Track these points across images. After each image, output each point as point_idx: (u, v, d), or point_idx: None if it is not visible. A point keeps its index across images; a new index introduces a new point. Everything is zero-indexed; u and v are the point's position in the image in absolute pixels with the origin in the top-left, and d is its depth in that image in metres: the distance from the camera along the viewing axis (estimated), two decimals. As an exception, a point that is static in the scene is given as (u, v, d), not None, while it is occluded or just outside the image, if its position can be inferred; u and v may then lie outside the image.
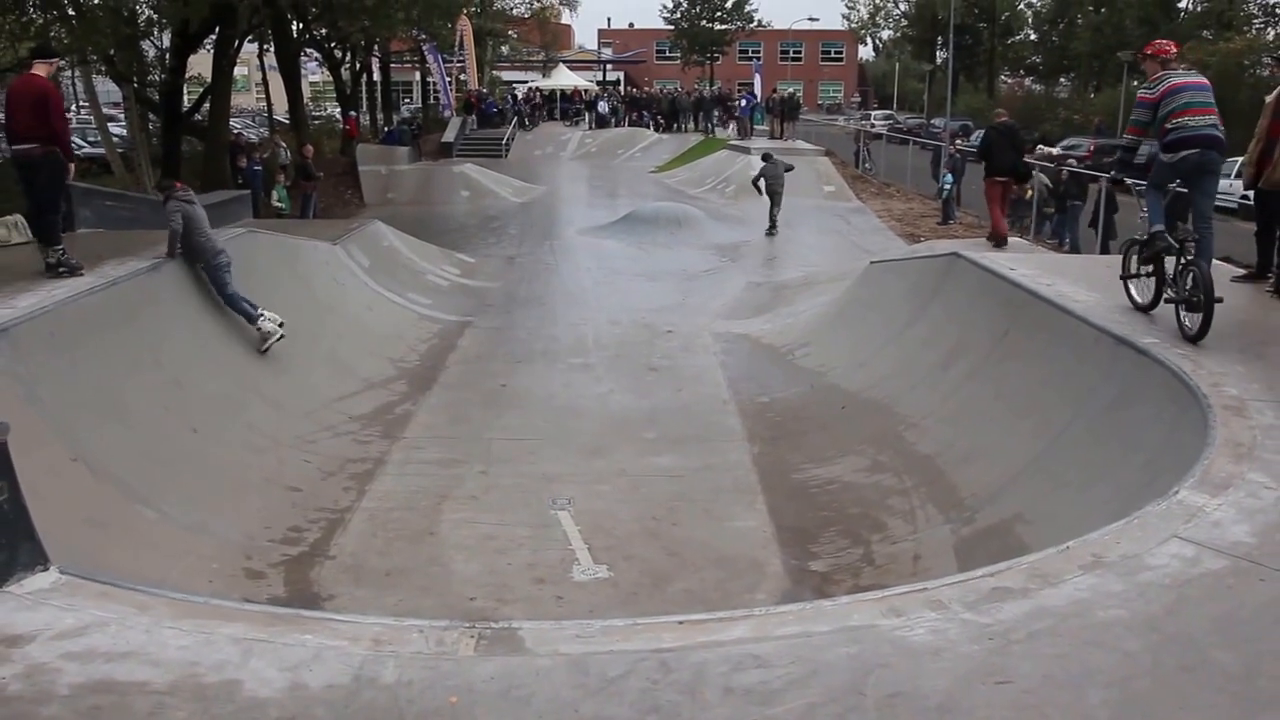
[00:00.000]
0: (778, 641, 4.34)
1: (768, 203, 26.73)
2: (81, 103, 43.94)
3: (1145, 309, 9.25)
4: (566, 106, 58.62)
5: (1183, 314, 8.58)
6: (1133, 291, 9.55)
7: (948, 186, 27.37)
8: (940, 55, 72.30)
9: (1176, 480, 5.81)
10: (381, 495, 9.21)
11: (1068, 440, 8.11)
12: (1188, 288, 8.52)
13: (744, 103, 47.22)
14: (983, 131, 19.87)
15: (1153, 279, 9.18)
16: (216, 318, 11.23)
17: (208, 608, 4.76)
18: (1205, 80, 9.17)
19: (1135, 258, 9.51)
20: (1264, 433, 6.41)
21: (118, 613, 4.52)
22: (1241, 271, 11.38)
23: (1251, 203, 11.43)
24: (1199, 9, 57.62)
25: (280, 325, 11.47)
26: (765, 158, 27.77)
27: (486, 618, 6.87)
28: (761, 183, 26.80)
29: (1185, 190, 9.40)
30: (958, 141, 32.00)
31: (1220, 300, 8.20)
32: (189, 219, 11.23)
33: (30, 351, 8.01)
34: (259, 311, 11.39)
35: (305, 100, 42.10)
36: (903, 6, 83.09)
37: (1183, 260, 8.68)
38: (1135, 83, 51.95)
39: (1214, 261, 9.67)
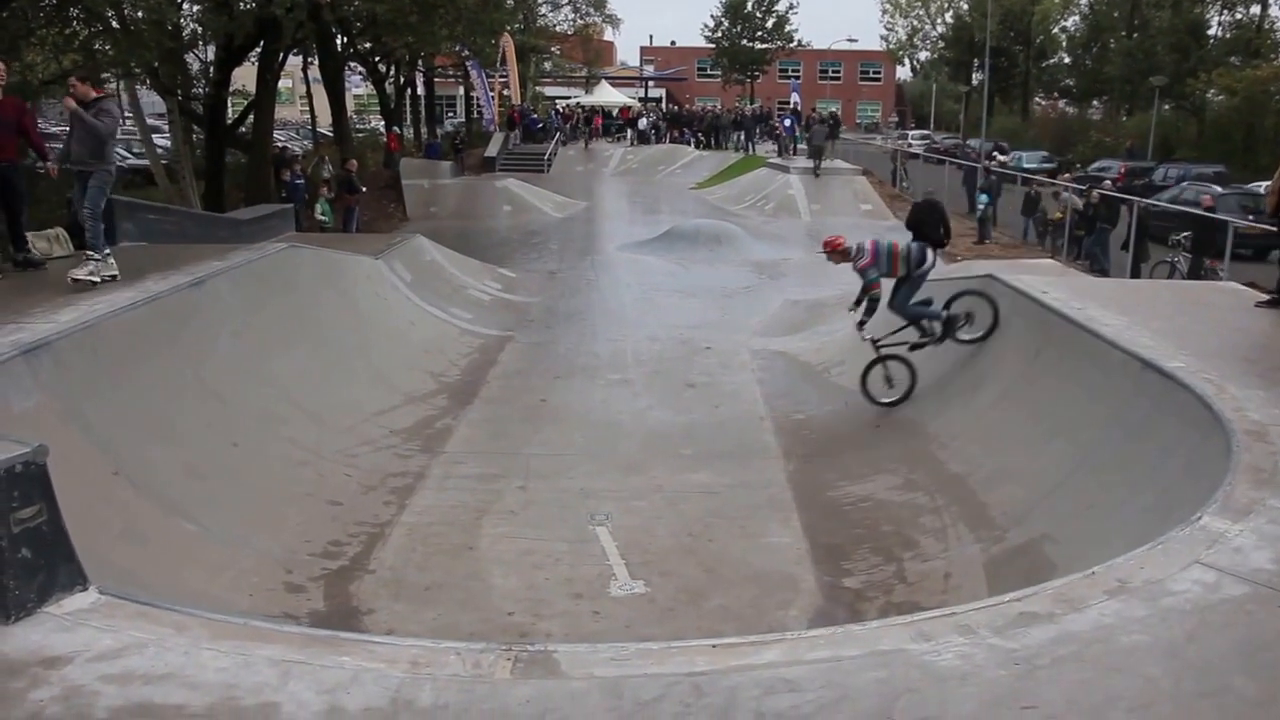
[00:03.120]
0: (809, 665, 4.34)
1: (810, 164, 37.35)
2: (126, 114, 44.35)
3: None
4: (609, 123, 58.80)
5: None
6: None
7: (981, 206, 27.46)
8: (976, 77, 72.01)
9: (1200, 504, 5.80)
10: (421, 510, 9.24)
11: (1095, 462, 8.10)
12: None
13: (787, 122, 47.16)
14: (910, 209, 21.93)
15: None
16: (258, 332, 11.30)
17: (246, 629, 4.77)
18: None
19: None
20: (1285, 458, 6.38)
21: (156, 634, 4.53)
22: (1264, 297, 11.44)
23: (1275, 230, 11.46)
24: (1228, 36, 57.50)
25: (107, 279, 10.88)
26: (818, 120, 39.65)
27: (524, 633, 6.91)
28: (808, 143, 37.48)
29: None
30: (991, 161, 32.12)
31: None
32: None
33: (71, 366, 8.07)
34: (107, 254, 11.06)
35: (349, 113, 42.41)
36: (940, 29, 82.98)
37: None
38: (1167, 107, 52.06)
39: (1237, 286, 12.88)
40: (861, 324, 11.53)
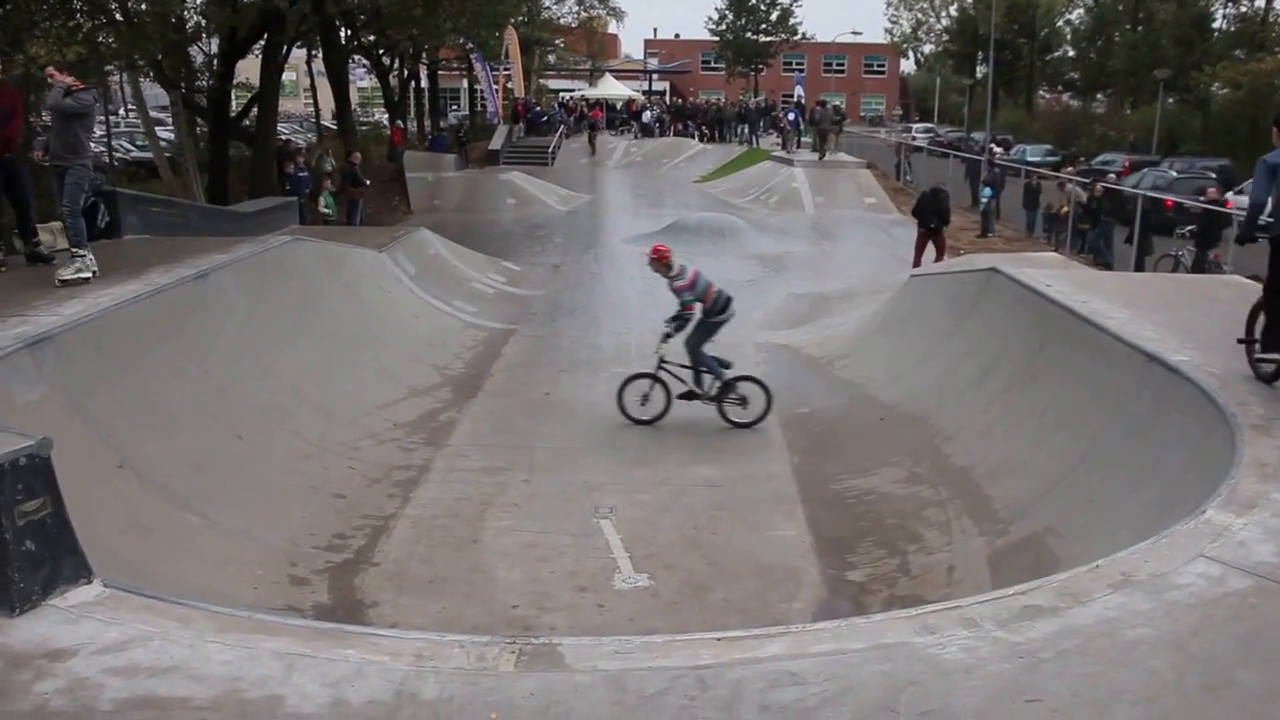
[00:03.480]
0: (813, 659, 4.36)
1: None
2: (129, 107, 44.27)
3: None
4: (613, 116, 58.75)
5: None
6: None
7: (985, 199, 27.45)
8: (980, 70, 71.89)
9: (1204, 498, 5.82)
10: (425, 502, 9.25)
11: (1099, 455, 8.12)
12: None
13: (791, 115, 47.04)
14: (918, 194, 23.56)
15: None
16: (262, 325, 11.29)
17: (251, 622, 4.78)
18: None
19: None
20: (1289, 452, 6.37)
21: (161, 627, 4.54)
22: None
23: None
24: (1232, 29, 57.32)
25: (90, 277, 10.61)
26: (820, 104, 40.98)
27: (528, 626, 6.92)
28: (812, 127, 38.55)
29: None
30: (994, 154, 32.22)
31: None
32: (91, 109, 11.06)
33: (75, 359, 8.08)
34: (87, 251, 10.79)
35: (353, 106, 42.35)
36: (944, 22, 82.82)
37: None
38: (1171, 100, 51.96)
39: (1242, 280, 12.66)
40: (668, 335, 11.68)
